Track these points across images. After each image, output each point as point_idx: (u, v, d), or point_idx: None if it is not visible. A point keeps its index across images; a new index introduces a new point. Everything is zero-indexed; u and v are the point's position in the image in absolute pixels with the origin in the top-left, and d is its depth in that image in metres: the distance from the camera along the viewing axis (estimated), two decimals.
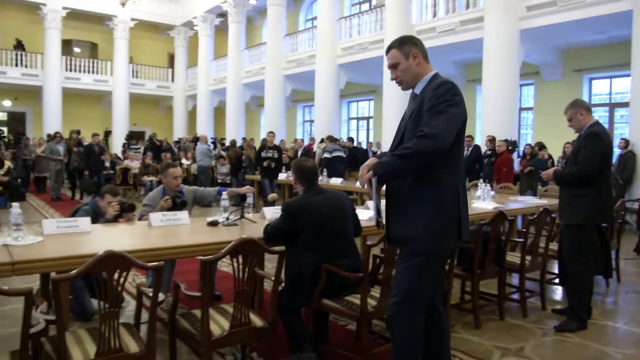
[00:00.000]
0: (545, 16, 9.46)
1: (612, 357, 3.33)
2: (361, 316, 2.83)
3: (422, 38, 10.02)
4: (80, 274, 2.09)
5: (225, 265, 5.42)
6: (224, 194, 3.85)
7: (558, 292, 4.86)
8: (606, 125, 9.48)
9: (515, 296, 4.28)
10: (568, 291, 4.00)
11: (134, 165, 12.63)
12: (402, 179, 2.33)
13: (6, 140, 16.01)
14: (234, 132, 17.16)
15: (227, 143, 14.74)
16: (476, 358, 3.26)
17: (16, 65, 18.78)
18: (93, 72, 20.42)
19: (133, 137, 17.79)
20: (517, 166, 10.36)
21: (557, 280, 4.78)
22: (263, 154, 10.23)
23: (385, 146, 10.98)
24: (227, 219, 3.52)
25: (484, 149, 9.83)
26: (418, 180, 2.31)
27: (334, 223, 3.00)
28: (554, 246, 4.59)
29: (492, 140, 9.13)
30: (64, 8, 18.67)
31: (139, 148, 15.59)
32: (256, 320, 2.69)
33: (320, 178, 5.72)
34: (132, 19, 20.09)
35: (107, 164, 12.43)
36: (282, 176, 10.14)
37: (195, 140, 14.81)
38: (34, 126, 20.09)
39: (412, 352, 2.36)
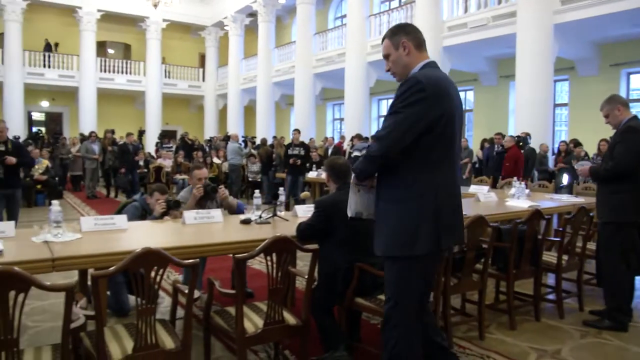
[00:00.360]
0: (580, 10, 9.22)
1: None
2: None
3: (453, 34, 9.96)
4: (118, 270, 2.13)
5: (256, 263, 5.46)
6: (257, 192, 3.88)
7: (596, 293, 4.74)
8: None
9: (551, 297, 4.19)
10: (605, 292, 3.90)
11: (167, 163, 12.81)
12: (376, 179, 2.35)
13: (45, 140, 16.44)
14: (264, 131, 17.27)
15: (258, 141, 14.84)
16: (511, 359, 3.20)
17: (47, 66, 19.26)
18: (127, 73, 20.83)
19: (165, 136, 18.07)
20: (551, 163, 10.16)
21: (595, 281, 4.66)
22: (290, 152, 10.28)
23: None
24: (260, 217, 3.54)
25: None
26: (388, 181, 2.28)
27: (367, 221, 2.98)
28: (591, 245, 4.48)
29: (527, 135, 8.95)
30: (99, 10, 19.10)
31: (171, 147, 15.82)
32: (290, 318, 2.70)
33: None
34: (164, 20, 20.40)
35: (141, 163, 12.65)
36: (312, 174, 10.16)
37: (227, 138, 14.95)
38: (71, 126, 20.62)
39: None
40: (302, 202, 4.40)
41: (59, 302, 4.02)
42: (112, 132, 13.68)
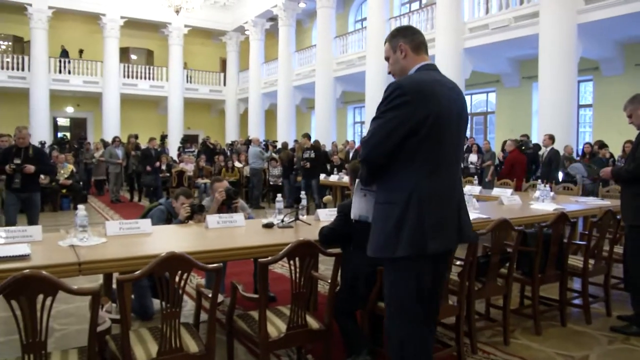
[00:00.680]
0: (605, 9, 9.07)
1: None
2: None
3: (474, 35, 9.89)
4: (144, 274, 2.15)
5: (278, 267, 5.48)
6: (279, 196, 3.90)
7: (624, 298, 4.64)
8: None
9: (578, 301, 4.11)
10: (632, 297, 3.82)
11: (189, 168, 12.94)
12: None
13: (73, 145, 16.73)
14: (285, 135, 17.33)
15: (279, 145, 14.89)
16: None
17: (69, 72, 19.62)
18: (149, 78, 21.12)
19: (188, 140, 18.25)
20: None
21: (622, 286, 4.57)
22: (305, 156, 10.38)
23: None
24: (282, 221, 3.54)
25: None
26: (380, 184, 2.30)
27: None
28: (619, 249, 4.39)
29: (551, 137, 8.81)
30: (122, 17, 19.41)
31: (193, 151, 15.97)
32: (313, 323, 2.70)
33: None
34: (186, 26, 20.63)
35: (164, 167, 12.78)
36: (333, 177, 10.16)
37: (248, 142, 15.03)
38: (95, 131, 20.97)
39: None
40: (324, 205, 4.40)
41: (85, 305, 4.09)
42: (136, 137, 13.86)
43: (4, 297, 1.85)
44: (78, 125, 21.93)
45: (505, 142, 11.18)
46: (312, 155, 10.31)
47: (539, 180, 6.05)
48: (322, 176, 10.41)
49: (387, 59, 2.40)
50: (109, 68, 19.60)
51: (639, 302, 3.68)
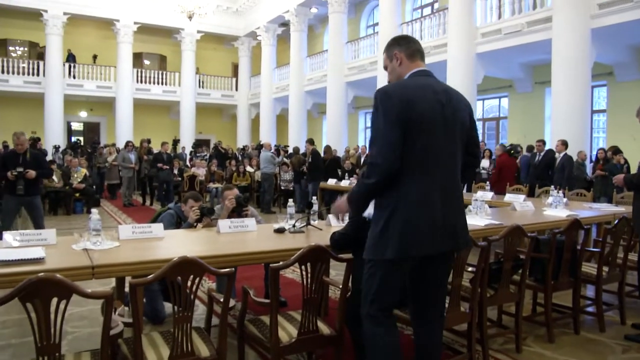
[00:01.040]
0: (619, 13, 8.99)
1: None
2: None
3: (487, 40, 9.85)
4: (156, 278, 2.17)
5: (289, 272, 5.48)
6: (290, 201, 3.90)
7: (639, 306, 4.58)
8: None
9: (591, 309, 4.07)
10: None
11: (200, 172, 13.00)
12: None
13: (86, 149, 16.89)
14: (296, 139, 17.36)
15: (290, 150, 14.92)
16: None
17: (84, 77, 19.84)
18: (162, 83, 21.29)
19: (199, 145, 18.35)
20: (589, 171, 9.91)
21: (637, 293, 4.51)
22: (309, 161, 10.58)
23: None
24: (294, 226, 3.55)
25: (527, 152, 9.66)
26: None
27: None
28: (633, 257, 4.34)
29: (564, 143, 8.76)
30: (135, 23, 19.61)
31: (205, 155, 16.05)
32: (324, 328, 2.70)
33: None
34: (199, 32, 20.78)
35: (176, 171, 12.87)
36: (345, 183, 10.16)
37: (259, 147, 15.08)
38: (108, 135, 21.16)
39: None
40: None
41: (97, 308, 4.13)
42: (148, 141, 13.96)
43: (19, 300, 1.87)
44: (91, 130, 22.16)
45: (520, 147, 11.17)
46: (310, 160, 10.46)
47: (552, 187, 5.99)
48: (333, 181, 10.41)
49: (385, 68, 2.50)
50: (122, 73, 19.80)
51: None
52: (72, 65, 19.68)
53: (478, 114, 14.65)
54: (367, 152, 2.33)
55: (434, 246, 2.24)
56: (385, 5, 13.89)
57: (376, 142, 2.25)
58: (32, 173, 6.02)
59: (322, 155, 12.07)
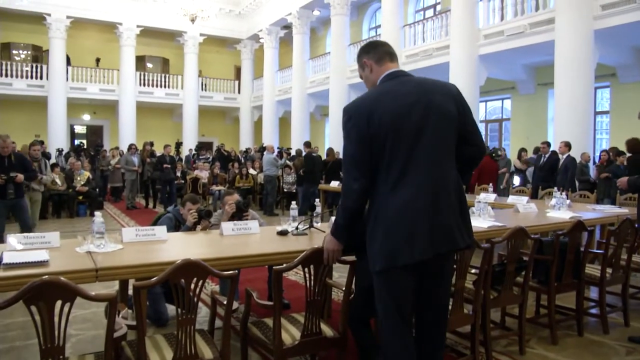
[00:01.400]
0: (622, 14, 8.97)
1: None
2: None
3: (489, 42, 9.82)
4: (160, 281, 2.17)
5: (292, 274, 5.49)
6: (293, 203, 3.91)
7: None
8: None
9: (594, 311, 4.06)
10: None
11: (203, 175, 13.03)
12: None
13: (89, 152, 16.92)
14: (299, 142, 17.33)
15: (293, 152, 14.93)
16: None
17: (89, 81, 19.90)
18: (165, 86, 21.33)
19: (202, 147, 18.38)
20: (592, 173, 9.89)
21: None
22: None
23: None
24: (297, 228, 3.55)
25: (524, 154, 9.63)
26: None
27: None
28: (637, 258, 4.33)
29: (567, 145, 8.75)
30: (138, 26, 19.67)
31: (208, 158, 16.07)
32: (327, 331, 2.70)
33: None
34: (201, 35, 20.83)
35: (178, 174, 12.89)
36: None
37: (262, 150, 15.10)
38: (111, 138, 21.21)
39: None
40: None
41: (100, 311, 4.13)
42: (151, 144, 13.99)
43: (24, 302, 1.88)
44: (94, 133, 22.22)
45: (524, 149, 11.16)
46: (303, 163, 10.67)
47: (555, 188, 5.98)
48: (336, 183, 10.40)
49: (361, 77, 2.47)
50: (125, 76, 19.85)
51: None
52: (74, 68, 19.71)
53: (481, 115, 14.62)
54: None
55: (425, 252, 2.13)
56: (387, 8, 13.91)
57: (345, 164, 2.28)
58: (21, 177, 6.11)
59: (323, 157, 12.09)
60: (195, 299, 2.28)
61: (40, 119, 18.87)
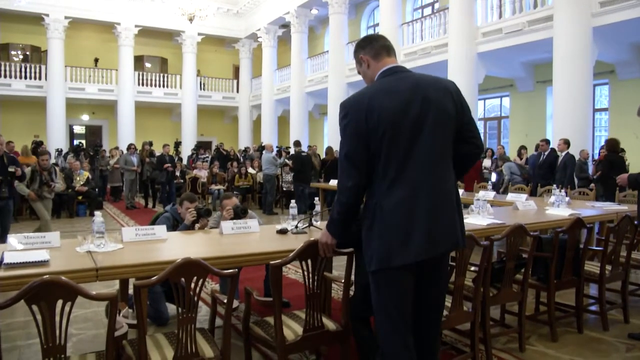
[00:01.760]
0: (621, 11, 8.97)
1: None
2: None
3: (488, 40, 9.81)
4: (160, 280, 2.18)
5: (292, 273, 5.50)
6: (292, 202, 3.91)
7: None
8: None
9: (594, 308, 4.07)
10: None
11: (202, 174, 13.03)
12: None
13: (88, 152, 16.92)
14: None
15: (292, 151, 14.92)
16: None
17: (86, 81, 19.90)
18: (163, 86, 21.31)
19: (201, 147, 18.38)
20: (591, 170, 9.90)
21: None
22: None
23: None
24: (296, 227, 3.56)
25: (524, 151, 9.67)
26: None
27: None
28: (636, 255, 4.34)
29: (566, 142, 8.76)
30: (136, 26, 19.64)
31: (207, 157, 16.07)
32: (329, 324, 2.70)
33: None
34: (199, 34, 20.81)
35: (177, 174, 12.89)
36: None
37: (261, 149, 15.10)
38: (110, 138, 21.18)
39: None
40: None
41: (101, 310, 4.14)
42: (150, 143, 13.97)
43: (25, 302, 1.89)
44: (93, 133, 22.19)
45: (524, 147, 11.19)
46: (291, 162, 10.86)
47: (555, 186, 5.99)
48: (335, 182, 10.40)
49: (359, 73, 2.45)
50: (123, 76, 19.83)
51: None
52: (73, 68, 19.70)
53: (479, 113, 14.64)
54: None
55: (422, 251, 2.10)
56: (385, 6, 13.90)
57: (341, 161, 2.23)
58: (19, 170, 6.20)
59: (322, 156, 12.09)
60: (196, 298, 2.28)
61: (39, 119, 18.86)
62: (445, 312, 2.87)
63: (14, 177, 6.27)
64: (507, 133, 14.68)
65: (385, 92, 2.18)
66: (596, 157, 10.38)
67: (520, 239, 3.38)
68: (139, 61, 21.32)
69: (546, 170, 8.91)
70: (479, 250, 3.03)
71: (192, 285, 2.25)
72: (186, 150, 19.26)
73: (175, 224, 4.18)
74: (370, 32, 18.23)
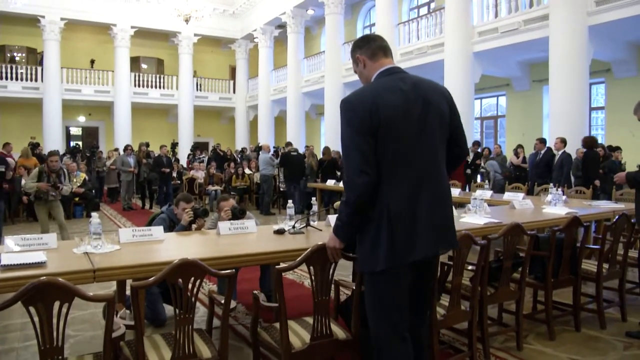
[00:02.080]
0: (616, 10, 8.99)
1: None
2: (430, 325, 2.76)
3: (483, 39, 9.82)
4: (157, 281, 2.17)
5: (289, 273, 5.48)
6: (290, 202, 3.91)
7: (639, 303, 4.59)
8: None
9: (591, 306, 4.07)
10: None
11: (199, 175, 13.01)
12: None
13: (85, 153, 16.87)
14: (295, 141, 17.30)
15: None
16: None
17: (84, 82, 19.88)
18: (160, 87, 21.28)
19: (198, 147, 18.36)
20: None
21: (638, 290, 4.52)
22: None
23: None
24: (294, 227, 3.56)
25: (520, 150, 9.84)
26: None
27: None
28: (633, 253, 4.35)
29: (563, 141, 8.77)
30: (132, 27, 19.62)
31: (203, 158, 16.06)
32: (339, 332, 2.62)
33: None
34: (196, 35, 20.79)
35: (175, 175, 12.87)
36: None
37: (258, 149, 15.09)
38: (106, 140, 21.16)
39: None
40: (335, 211, 4.42)
41: (98, 312, 4.13)
42: (147, 144, 13.95)
43: (22, 304, 1.88)
44: (90, 134, 22.14)
45: (521, 146, 11.20)
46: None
47: (551, 184, 6.00)
48: (332, 182, 10.41)
49: (355, 72, 2.44)
50: (119, 77, 19.80)
51: None
52: (69, 70, 19.67)
53: (476, 112, 14.64)
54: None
55: (425, 249, 2.14)
56: (381, 6, 13.91)
57: (349, 157, 2.16)
58: (9, 173, 6.19)
59: (319, 156, 12.09)
60: (193, 299, 2.28)
61: (35, 121, 18.80)
62: (442, 311, 2.87)
63: (3, 178, 6.22)
64: (504, 132, 14.71)
65: (389, 91, 2.18)
66: None
67: (518, 238, 3.39)
68: (135, 62, 21.29)
69: (543, 169, 8.93)
70: (476, 250, 3.04)
71: (190, 286, 2.24)
72: (183, 151, 19.24)
73: (171, 224, 4.17)
74: (367, 32, 18.23)
